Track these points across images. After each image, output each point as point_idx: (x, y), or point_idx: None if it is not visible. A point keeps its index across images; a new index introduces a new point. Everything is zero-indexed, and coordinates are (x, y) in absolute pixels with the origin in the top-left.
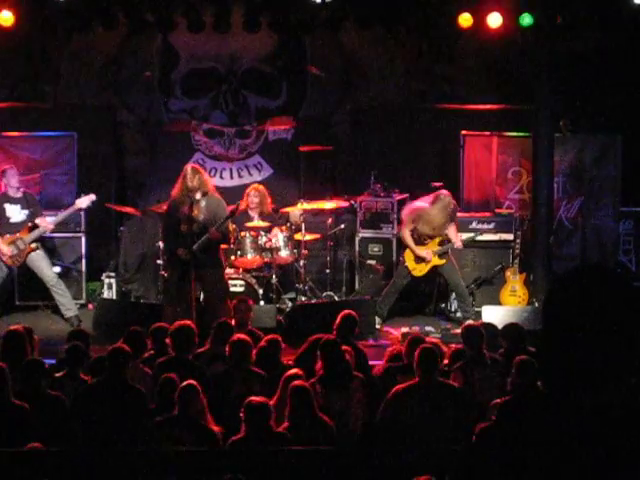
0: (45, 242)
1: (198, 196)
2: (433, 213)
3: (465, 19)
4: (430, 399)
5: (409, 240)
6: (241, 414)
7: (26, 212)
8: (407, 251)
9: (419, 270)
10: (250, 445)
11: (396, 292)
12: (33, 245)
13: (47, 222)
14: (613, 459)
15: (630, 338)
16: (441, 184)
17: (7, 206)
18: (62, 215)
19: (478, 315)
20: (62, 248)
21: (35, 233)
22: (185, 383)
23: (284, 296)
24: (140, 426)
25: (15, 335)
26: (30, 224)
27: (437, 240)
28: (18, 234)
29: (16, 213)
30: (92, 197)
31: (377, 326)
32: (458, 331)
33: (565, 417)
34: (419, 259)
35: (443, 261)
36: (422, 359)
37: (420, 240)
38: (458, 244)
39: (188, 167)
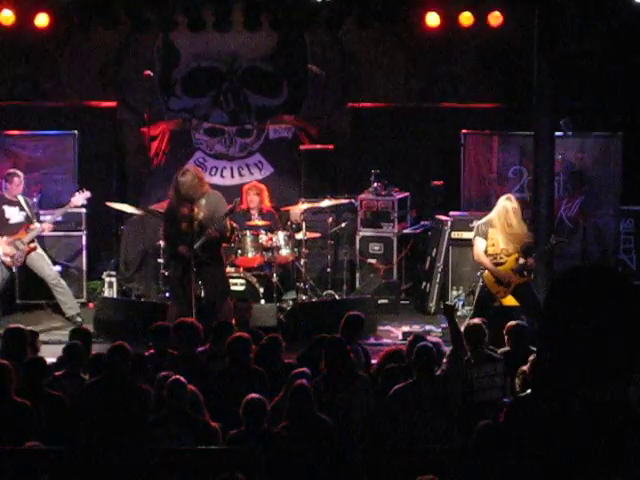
0: (45, 241)
1: (197, 196)
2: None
3: (466, 17)
4: (428, 396)
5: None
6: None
7: (24, 214)
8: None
9: (504, 292)
10: (247, 441)
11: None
12: (32, 245)
13: (43, 226)
14: (614, 456)
15: (630, 336)
16: (441, 183)
17: (6, 208)
18: (58, 213)
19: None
20: (63, 247)
21: (33, 233)
22: (172, 378)
23: (285, 295)
24: (141, 424)
25: (17, 332)
26: (27, 225)
27: (515, 256)
28: (16, 235)
29: (15, 214)
30: (87, 194)
31: None
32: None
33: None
34: (499, 281)
35: (524, 278)
36: (419, 357)
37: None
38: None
39: (188, 172)
